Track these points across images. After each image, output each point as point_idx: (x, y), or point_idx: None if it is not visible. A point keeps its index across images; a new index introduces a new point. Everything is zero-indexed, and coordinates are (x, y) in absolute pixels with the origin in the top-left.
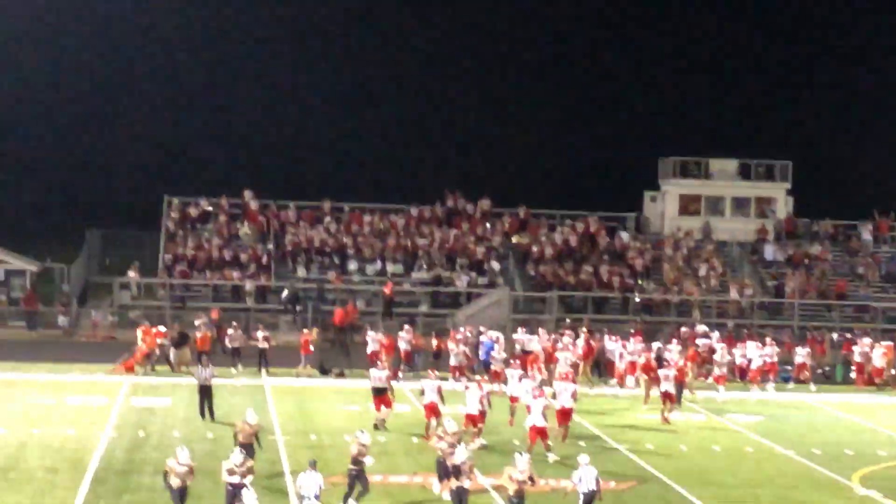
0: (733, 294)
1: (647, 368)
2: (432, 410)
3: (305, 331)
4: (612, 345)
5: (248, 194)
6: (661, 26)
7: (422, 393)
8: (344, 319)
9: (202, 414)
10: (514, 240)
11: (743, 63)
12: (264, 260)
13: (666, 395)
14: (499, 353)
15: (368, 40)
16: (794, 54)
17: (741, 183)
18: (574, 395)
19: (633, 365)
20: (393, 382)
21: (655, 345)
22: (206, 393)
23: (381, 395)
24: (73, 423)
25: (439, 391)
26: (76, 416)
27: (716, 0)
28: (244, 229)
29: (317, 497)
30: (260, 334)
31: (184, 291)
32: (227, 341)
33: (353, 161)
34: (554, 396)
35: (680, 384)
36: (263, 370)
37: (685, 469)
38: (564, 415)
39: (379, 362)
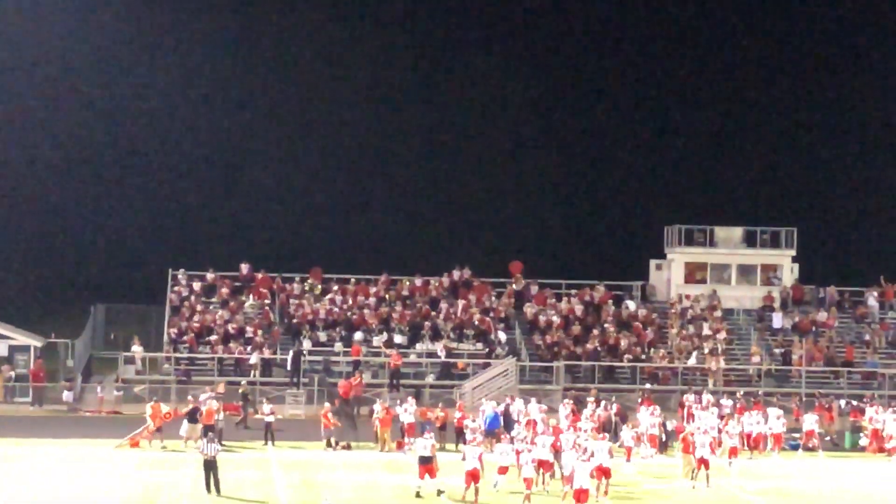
0: (747, 362)
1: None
2: (473, 476)
3: (326, 405)
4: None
5: (244, 267)
6: (666, 95)
7: (463, 458)
8: (349, 391)
9: (208, 489)
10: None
11: (747, 131)
12: (269, 333)
13: (701, 461)
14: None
15: (374, 114)
16: (798, 122)
17: (747, 250)
18: (610, 453)
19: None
20: (400, 454)
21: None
22: (211, 467)
23: (426, 464)
24: (79, 499)
25: (480, 458)
26: (82, 492)
27: (720, 69)
28: (249, 302)
29: None
30: (266, 408)
31: (189, 365)
32: (258, 415)
33: (358, 234)
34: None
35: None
36: (270, 443)
37: None
38: (603, 472)
39: (425, 432)
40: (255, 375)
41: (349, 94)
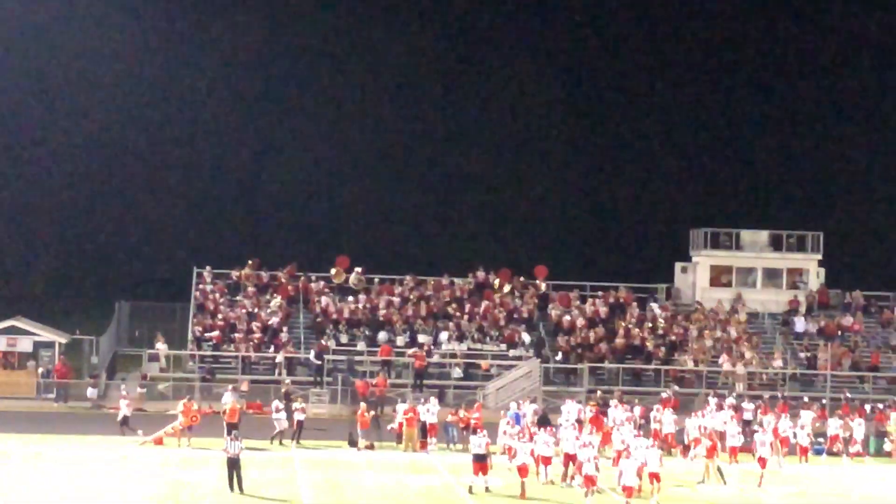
0: (771, 365)
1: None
2: (525, 471)
3: (362, 405)
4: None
5: (254, 263)
6: (693, 99)
7: (512, 456)
8: (365, 390)
9: (231, 487)
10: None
11: (775, 135)
12: (294, 331)
13: (761, 460)
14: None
15: (402, 113)
16: (825, 126)
17: (772, 254)
18: (660, 460)
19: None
20: (424, 455)
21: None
22: (234, 465)
23: (481, 462)
24: (103, 496)
25: (532, 453)
26: (106, 489)
27: (748, 72)
28: (275, 301)
29: None
30: (297, 405)
31: (212, 363)
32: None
33: (384, 233)
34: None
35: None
36: (295, 442)
37: None
38: (654, 477)
39: (479, 430)
40: (279, 374)
41: (377, 92)
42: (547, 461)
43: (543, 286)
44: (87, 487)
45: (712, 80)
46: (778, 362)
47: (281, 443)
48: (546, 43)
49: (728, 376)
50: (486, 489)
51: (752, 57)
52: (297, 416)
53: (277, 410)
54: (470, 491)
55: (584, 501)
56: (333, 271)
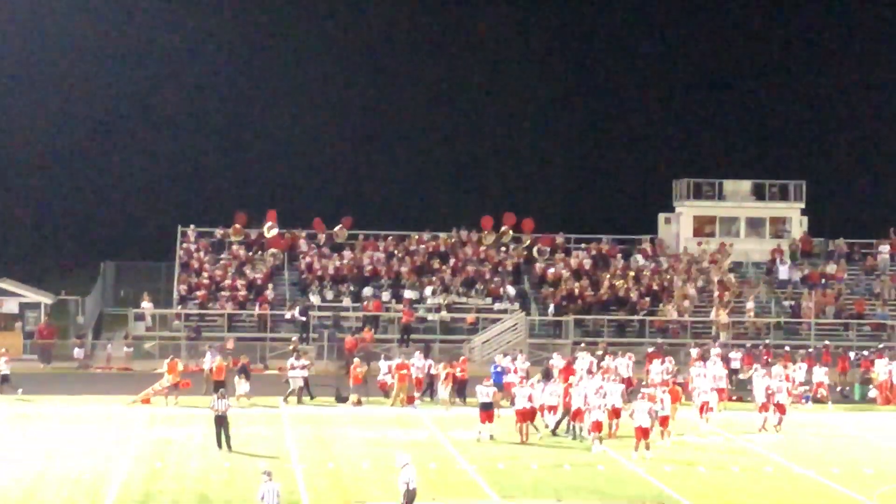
0: (750, 315)
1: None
2: (524, 416)
3: (356, 359)
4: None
5: (240, 219)
6: (674, 48)
7: (512, 402)
8: (354, 347)
9: (219, 444)
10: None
11: (755, 84)
12: (279, 288)
13: (778, 407)
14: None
15: (382, 67)
16: (805, 74)
17: (755, 203)
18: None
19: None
20: (410, 409)
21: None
22: (222, 423)
23: (487, 410)
24: (90, 455)
25: (530, 398)
26: (93, 449)
27: (727, 21)
28: (270, 252)
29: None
30: (302, 362)
31: (199, 321)
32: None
33: (366, 189)
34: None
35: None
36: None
37: (704, 490)
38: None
39: (485, 380)
40: (264, 331)
41: (356, 49)
42: (553, 410)
43: (528, 240)
44: (74, 447)
45: (694, 28)
46: (749, 304)
47: (300, 401)
48: None
49: (723, 327)
50: (491, 437)
51: (734, 5)
52: (302, 373)
53: (292, 368)
54: (478, 440)
55: (590, 448)
56: (337, 229)
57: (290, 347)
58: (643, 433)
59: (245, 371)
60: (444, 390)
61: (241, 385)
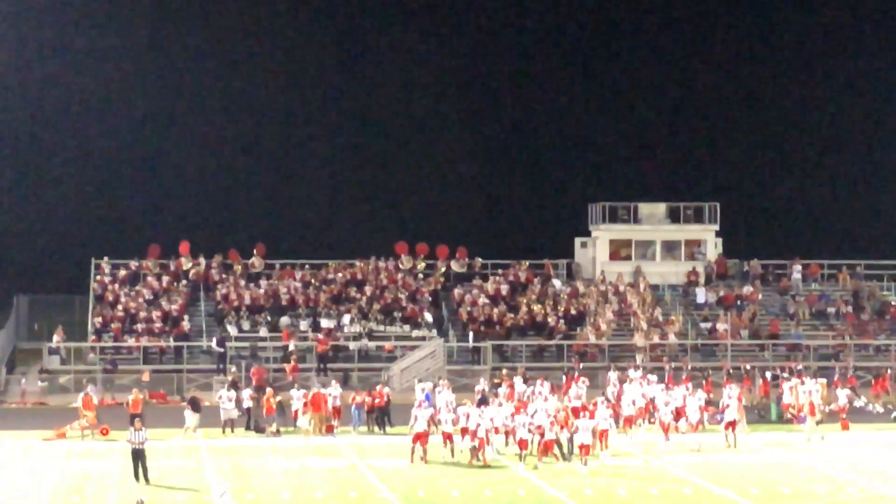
0: (671, 337)
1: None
2: (420, 438)
3: (269, 390)
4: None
5: (154, 250)
6: (586, 71)
7: (414, 421)
8: (263, 376)
9: (136, 477)
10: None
11: (670, 107)
12: (195, 319)
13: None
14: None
15: (292, 93)
16: (719, 97)
17: (670, 226)
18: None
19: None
20: (329, 438)
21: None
22: (139, 456)
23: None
24: (5, 491)
25: (431, 420)
26: (10, 483)
27: (639, 43)
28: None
29: None
30: (298, 393)
31: (114, 354)
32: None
33: (282, 219)
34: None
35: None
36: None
37: None
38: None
39: (421, 407)
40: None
41: (264, 76)
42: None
43: (443, 267)
44: None
45: (604, 51)
46: (674, 329)
47: (232, 430)
48: (442, 14)
49: (630, 349)
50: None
51: (645, 25)
52: (246, 404)
53: (229, 400)
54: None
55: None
56: (253, 258)
57: (230, 378)
58: (586, 450)
59: (195, 403)
60: (304, 419)
61: (190, 418)
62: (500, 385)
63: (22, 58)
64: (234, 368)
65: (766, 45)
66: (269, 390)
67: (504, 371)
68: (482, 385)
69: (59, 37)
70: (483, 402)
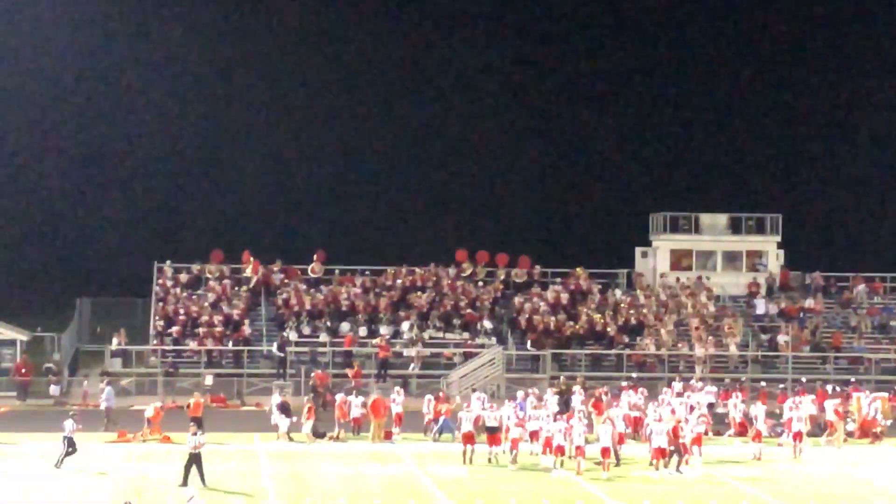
0: (731, 349)
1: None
2: (469, 439)
3: (341, 395)
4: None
5: (216, 254)
6: (650, 82)
7: (459, 425)
8: (325, 381)
9: (185, 481)
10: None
11: (733, 117)
12: (256, 323)
13: (658, 452)
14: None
15: (358, 103)
16: (783, 108)
17: (732, 237)
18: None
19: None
20: (389, 445)
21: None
22: (196, 460)
23: (493, 434)
24: (67, 493)
25: (475, 422)
26: (70, 486)
27: (705, 54)
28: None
29: None
30: (358, 400)
31: (175, 358)
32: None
33: (343, 225)
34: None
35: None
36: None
37: None
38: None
39: (492, 404)
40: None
41: (332, 84)
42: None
43: (503, 274)
44: (50, 485)
45: (671, 62)
46: (734, 339)
47: (338, 437)
48: (506, 25)
49: (691, 360)
50: (490, 460)
51: (708, 38)
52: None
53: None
54: (489, 461)
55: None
56: (313, 264)
57: (311, 383)
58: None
59: (286, 409)
60: (307, 425)
61: (283, 422)
62: (568, 394)
63: (86, 64)
64: (317, 372)
65: (831, 55)
66: (340, 396)
67: (561, 379)
68: (549, 395)
69: (123, 43)
70: (562, 411)
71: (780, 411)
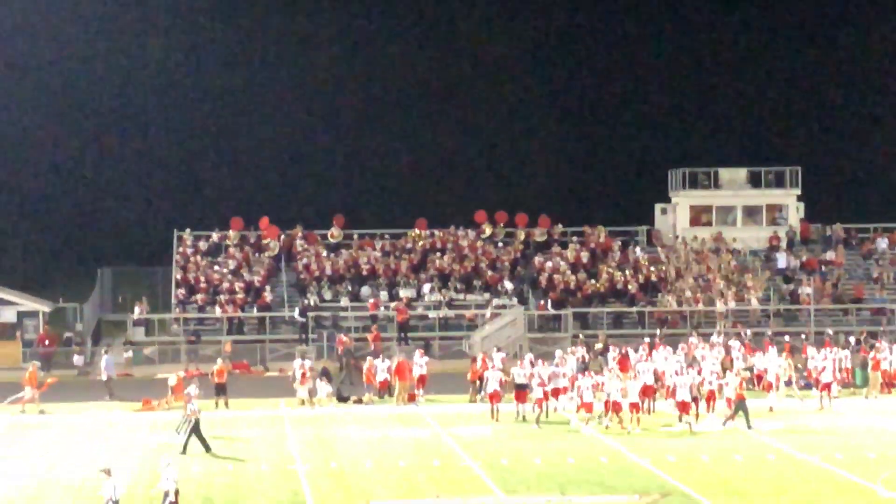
0: (753, 303)
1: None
2: (495, 397)
3: (369, 359)
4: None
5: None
6: (666, 38)
7: (485, 384)
8: (347, 348)
9: (206, 448)
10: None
11: (748, 71)
12: (277, 289)
13: (681, 405)
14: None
15: (366, 70)
16: (799, 59)
17: (751, 191)
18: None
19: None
20: (413, 407)
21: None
22: (196, 428)
23: (521, 391)
24: (92, 462)
25: (501, 382)
26: (95, 456)
27: (721, 9)
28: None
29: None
30: (423, 359)
31: (197, 325)
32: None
33: (361, 188)
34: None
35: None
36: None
37: (708, 480)
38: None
39: (519, 361)
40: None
41: (346, 48)
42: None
43: (523, 235)
44: (76, 454)
45: (688, 14)
46: (755, 294)
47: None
48: None
49: (712, 315)
50: (523, 419)
51: None
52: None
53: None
54: (524, 419)
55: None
56: (332, 229)
57: (339, 349)
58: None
59: (327, 374)
60: (302, 389)
61: (323, 387)
62: (602, 353)
63: (107, 32)
64: (344, 337)
65: (847, 7)
66: (369, 359)
67: (580, 337)
68: (581, 351)
69: (145, 11)
70: (585, 368)
71: (804, 364)
